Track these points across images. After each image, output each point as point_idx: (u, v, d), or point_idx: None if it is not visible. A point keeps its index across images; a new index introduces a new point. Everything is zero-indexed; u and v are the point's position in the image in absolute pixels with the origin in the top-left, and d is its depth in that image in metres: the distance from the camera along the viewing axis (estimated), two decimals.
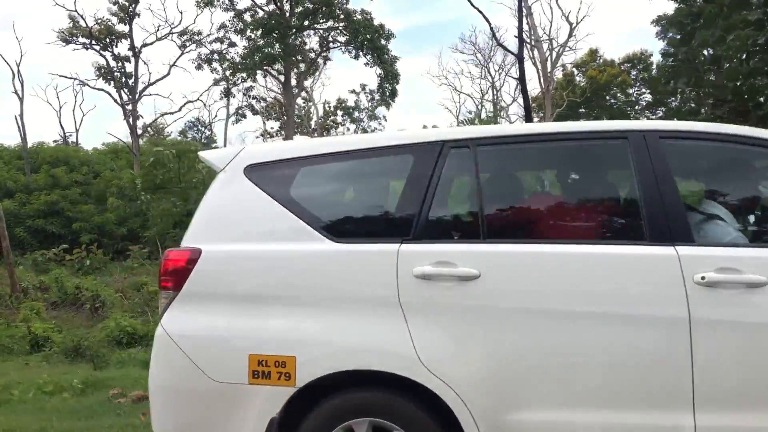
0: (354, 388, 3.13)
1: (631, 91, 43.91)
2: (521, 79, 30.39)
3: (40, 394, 6.91)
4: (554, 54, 33.31)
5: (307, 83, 40.31)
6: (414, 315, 3.04)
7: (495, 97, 47.49)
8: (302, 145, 3.61)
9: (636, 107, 43.00)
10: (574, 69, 42.65)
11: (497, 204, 3.37)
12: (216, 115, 68.76)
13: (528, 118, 27.07)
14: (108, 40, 32.62)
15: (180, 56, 35.01)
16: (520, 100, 45.59)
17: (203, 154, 3.69)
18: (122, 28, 33.23)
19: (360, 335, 3.09)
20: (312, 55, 34.03)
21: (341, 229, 3.33)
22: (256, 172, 3.40)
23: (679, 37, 8.10)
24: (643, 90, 44.22)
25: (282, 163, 3.44)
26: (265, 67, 31.83)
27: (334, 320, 3.12)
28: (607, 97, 43.03)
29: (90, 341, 9.81)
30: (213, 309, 3.25)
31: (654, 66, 42.02)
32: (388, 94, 33.25)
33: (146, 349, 9.73)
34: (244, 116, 37.46)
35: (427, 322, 3.04)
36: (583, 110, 40.28)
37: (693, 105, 40.16)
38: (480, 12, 18.98)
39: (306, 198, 3.45)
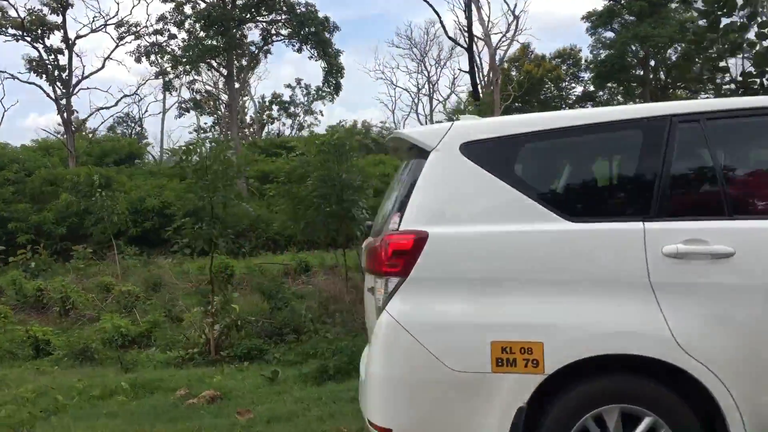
0: (602, 374, 3.00)
1: (563, 84, 45.17)
2: (471, 73, 30.87)
3: (89, 399, 6.47)
4: (500, 48, 33.81)
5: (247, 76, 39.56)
6: (667, 295, 2.96)
7: (431, 90, 47.93)
8: (522, 121, 3.44)
9: (567, 100, 44.24)
10: (507, 64, 43.47)
11: (738, 179, 3.30)
12: (147, 110, 66.65)
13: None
14: (40, 31, 31.01)
15: (115, 48, 33.80)
16: (457, 92, 46.29)
17: (406, 133, 3.48)
18: (55, 18, 31.70)
19: (610, 318, 2.98)
20: (253, 48, 33.33)
21: (574, 208, 3.22)
22: (475, 149, 3.23)
23: (705, 24, 8.34)
24: (573, 84, 45.61)
25: (502, 139, 3.28)
26: (207, 60, 30.94)
27: (579, 303, 3.00)
28: (541, 92, 44.09)
29: (97, 343, 9.30)
30: (445, 294, 3.10)
31: (583, 61, 43.44)
32: (332, 88, 32.92)
33: (161, 349, 9.31)
34: (188, 110, 36.47)
35: (681, 303, 2.95)
36: (519, 104, 41.05)
37: (621, 99, 41.60)
38: (431, 6, 19.26)
39: (532, 176, 3.33)
